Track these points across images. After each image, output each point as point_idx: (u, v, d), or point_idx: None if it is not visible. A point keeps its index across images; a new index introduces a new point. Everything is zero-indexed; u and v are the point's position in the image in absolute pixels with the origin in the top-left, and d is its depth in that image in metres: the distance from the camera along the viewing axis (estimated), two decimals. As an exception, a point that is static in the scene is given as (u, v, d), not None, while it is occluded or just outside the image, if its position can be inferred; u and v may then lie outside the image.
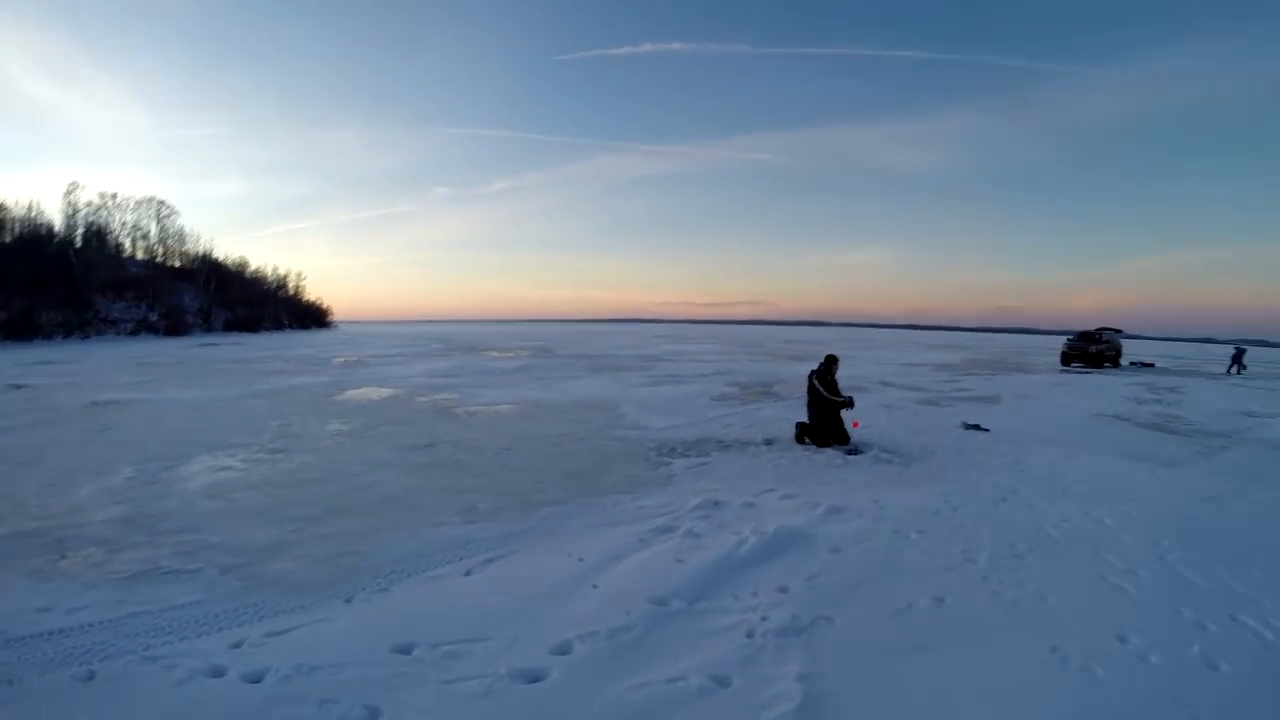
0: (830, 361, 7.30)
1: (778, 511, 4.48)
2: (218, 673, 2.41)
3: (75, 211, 58.70)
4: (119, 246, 62.18)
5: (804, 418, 7.31)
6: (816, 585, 3.29)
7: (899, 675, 2.44)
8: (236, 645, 2.64)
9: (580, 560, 3.61)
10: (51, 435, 7.53)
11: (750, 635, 2.74)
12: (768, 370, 18.21)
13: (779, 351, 30.11)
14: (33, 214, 53.58)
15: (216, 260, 68.64)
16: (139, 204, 64.84)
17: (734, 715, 2.17)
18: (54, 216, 56.42)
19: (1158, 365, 27.31)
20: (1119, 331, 27.33)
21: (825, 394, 6.96)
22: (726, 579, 3.36)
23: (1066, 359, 24.69)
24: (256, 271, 75.05)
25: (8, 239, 49.80)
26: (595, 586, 3.27)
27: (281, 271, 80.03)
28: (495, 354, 25.05)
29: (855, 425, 7.14)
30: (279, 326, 67.64)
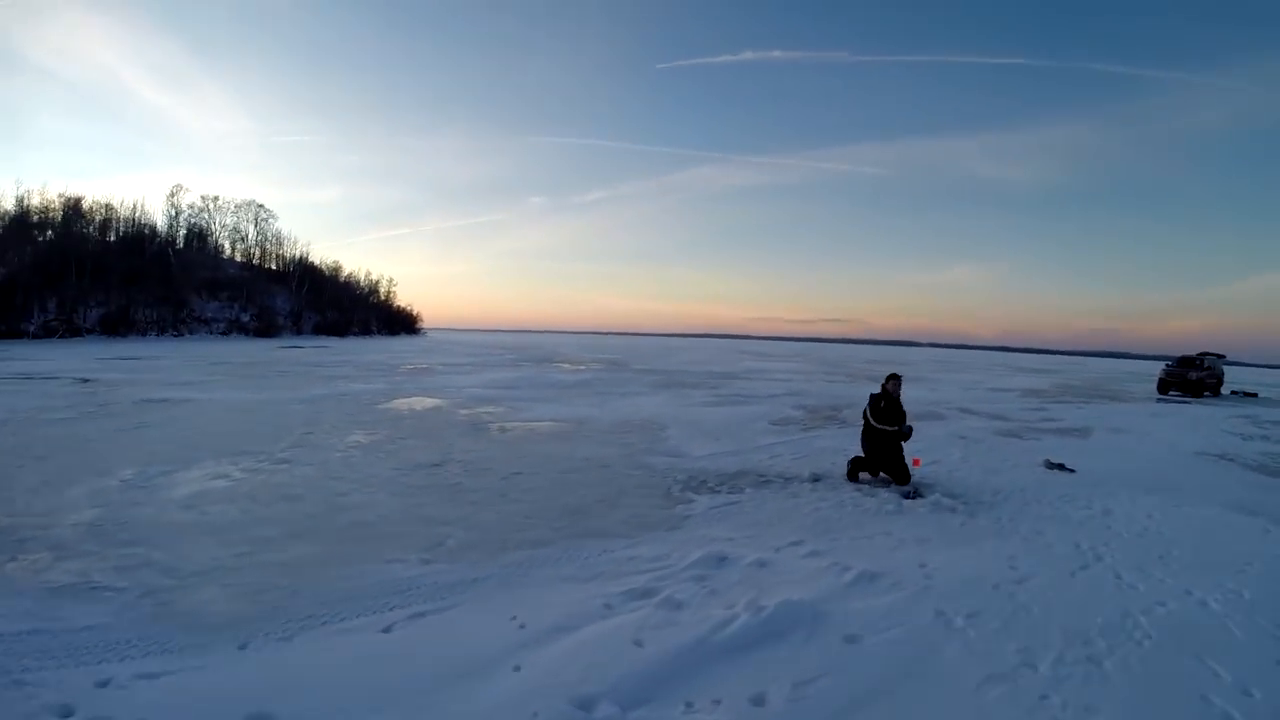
0: (891, 382, 7.18)
1: (794, 575, 4.26)
2: (64, 713, 2.54)
3: (178, 213, 68.33)
4: (218, 248, 71.66)
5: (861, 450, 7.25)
6: (805, 697, 2.87)
7: None
8: (103, 684, 2.76)
9: (521, 627, 3.45)
10: (85, 430, 8.82)
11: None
12: (841, 392, 19.11)
13: (860, 371, 31.98)
14: (137, 214, 61.54)
15: (311, 264, 77.69)
16: (239, 207, 74.48)
17: None
18: (157, 217, 65.43)
19: (1261, 395, 27.50)
20: (1221, 357, 27.77)
21: (875, 422, 6.95)
22: (689, 675, 3.01)
23: (1163, 386, 25.28)
24: (349, 276, 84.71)
25: (112, 238, 58.15)
26: (517, 668, 3.03)
27: (374, 277, 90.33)
28: (567, 366, 28.46)
29: (915, 463, 7.04)
30: (367, 331, 75.83)
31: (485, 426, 10.33)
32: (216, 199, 71.86)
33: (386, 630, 3.44)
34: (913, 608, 3.85)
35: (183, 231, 67.42)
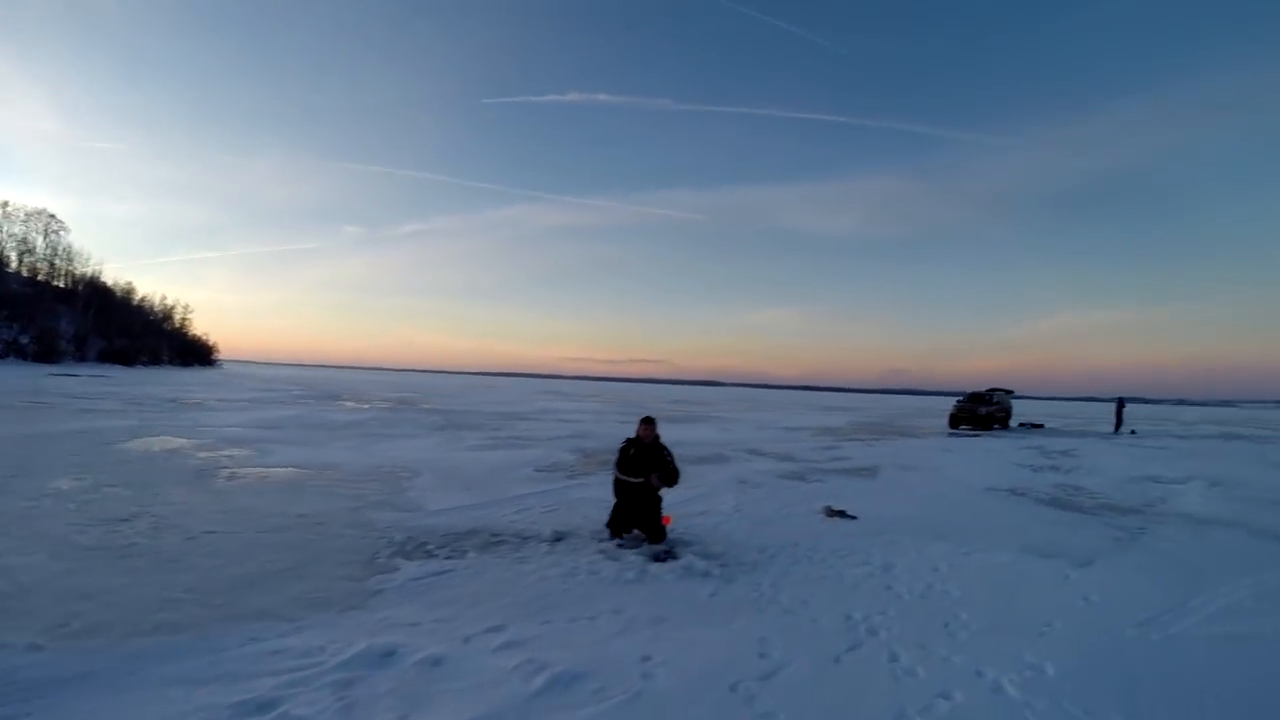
0: (644, 426, 7.37)
1: (469, 679, 3.80)
2: None
3: (-45, 218, 71.05)
4: (2, 259, 73.28)
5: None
6: None
7: None
8: None
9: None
10: None
11: None
12: (629, 434, 19.80)
13: (659, 412, 35.62)
14: (-98, 215, 65.83)
15: (102, 284, 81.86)
16: (29, 216, 77.26)
17: None
18: (-70, 221, 69.92)
19: (1047, 426, 33.38)
20: (1009, 392, 33.11)
21: (621, 473, 7.16)
22: None
23: (955, 421, 29.34)
24: (143, 300, 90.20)
25: None
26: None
27: (169, 302, 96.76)
28: (350, 404, 31.28)
29: (665, 521, 7.15)
30: (156, 361, 79.96)
31: (214, 473, 10.35)
32: (5, 204, 74.27)
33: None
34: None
35: (-40, 239, 71.34)
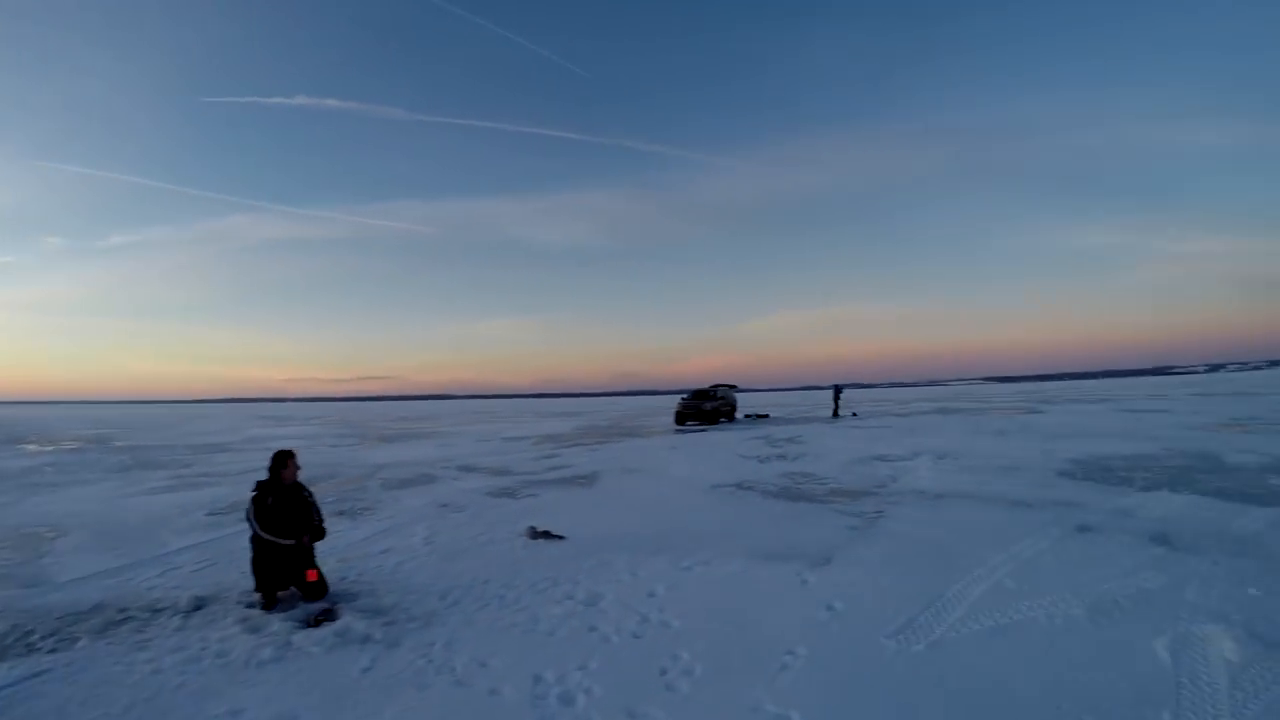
0: (285, 465, 6.73)
1: None
2: None
3: None
4: None
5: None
6: None
7: None
8: None
9: None
10: None
11: None
12: (339, 459, 20.47)
13: (382, 432, 35.46)
14: None
15: None
16: None
17: None
18: None
19: (772, 415, 37.26)
20: (733, 387, 36.27)
21: (262, 531, 6.46)
22: None
23: (681, 418, 31.45)
24: None
25: None
26: None
27: None
28: (32, 447, 28.58)
29: (311, 576, 6.61)
30: None
31: None
32: None
33: None
34: None
35: None
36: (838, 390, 35.70)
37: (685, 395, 33.20)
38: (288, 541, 6.48)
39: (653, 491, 11.52)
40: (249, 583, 6.90)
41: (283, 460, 6.69)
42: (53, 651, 5.69)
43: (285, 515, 6.55)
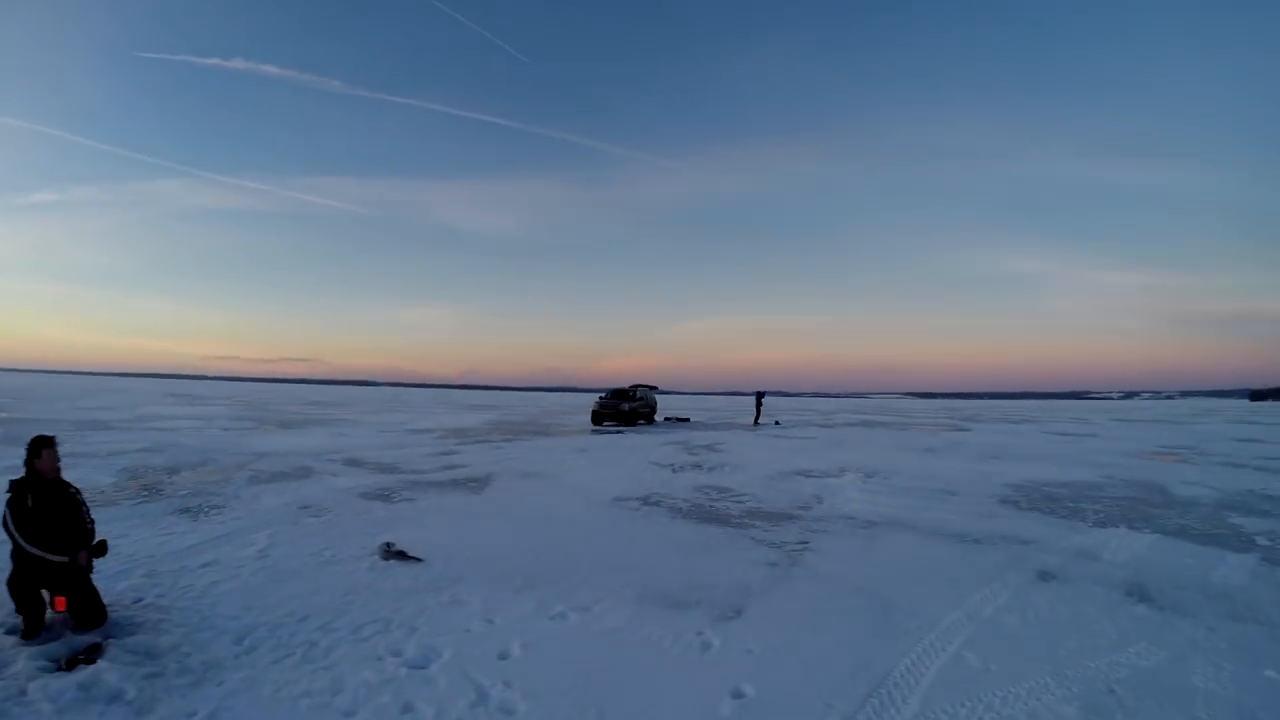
0: (41, 453, 5.47)
1: None
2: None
3: None
4: None
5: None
6: None
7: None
8: None
9: None
10: None
11: None
12: (223, 445, 18.94)
13: (285, 416, 33.84)
14: None
15: None
16: None
17: None
18: None
19: (693, 420, 36.53)
20: (653, 388, 35.61)
21: (25, 543, 5.23)
22: None
23: (598, 418, 30.64)
24: None
25: None
26: None
27: None
28: None
29: (59, 605, 5.42)
30: None
31: None
32: None
33: None
34: None
35: None
36: (760, 397, 35.28)
37: (603, 394, 32.40)
38: (59, 558, 5.38)
39: (546, 503, 10.18)
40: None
41: (37, 449, 5.49)
42: None
43: (50, 519, 5.42)
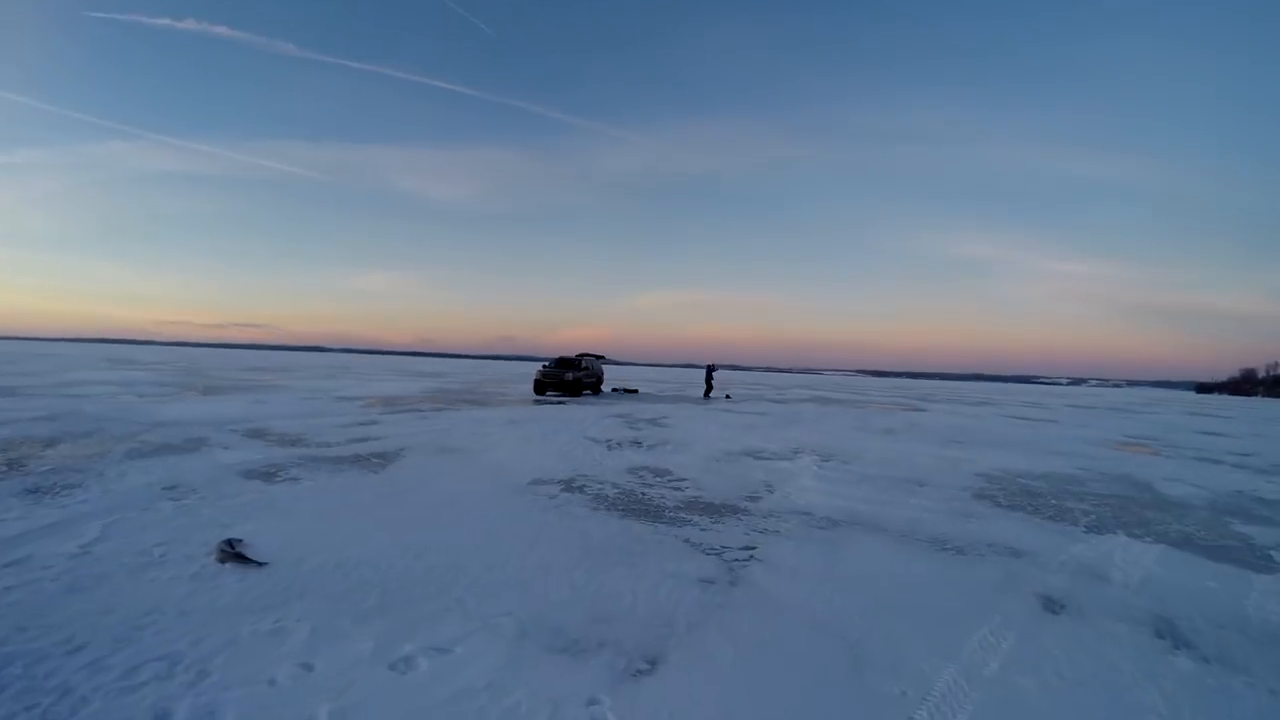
0: None
1: None
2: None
3: None
4: None
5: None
6: None
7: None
8: None
9: None
10: None
11: None
12: (123, 414, 17.07)
13: (212, 383, 32.10)
14: None
15: None
16: None
17: None
18: None
19: (641, 391, 35.72)
20: (600, 357, 34.63)
21: None
22: None
23: (540, 387, 29.44)
24: None
25: None
26: None
27: None
28: None
29: None
30: None
31: None
32: None
33: None
34: None
35: None
36: (711, 370, 34.28)
37: (546, 363, 31.12)
38: None
39: (450, 487, 8.68)
40: None
41: None
42: None
43: None
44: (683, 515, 7.44)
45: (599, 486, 8.84)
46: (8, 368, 38.37)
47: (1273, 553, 7.01)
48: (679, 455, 11.86)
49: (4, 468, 9.39)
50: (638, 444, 13.28)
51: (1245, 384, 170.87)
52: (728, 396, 32.76)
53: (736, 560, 5.83)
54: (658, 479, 9.54)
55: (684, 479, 9.59)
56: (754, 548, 6.23)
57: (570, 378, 28.97)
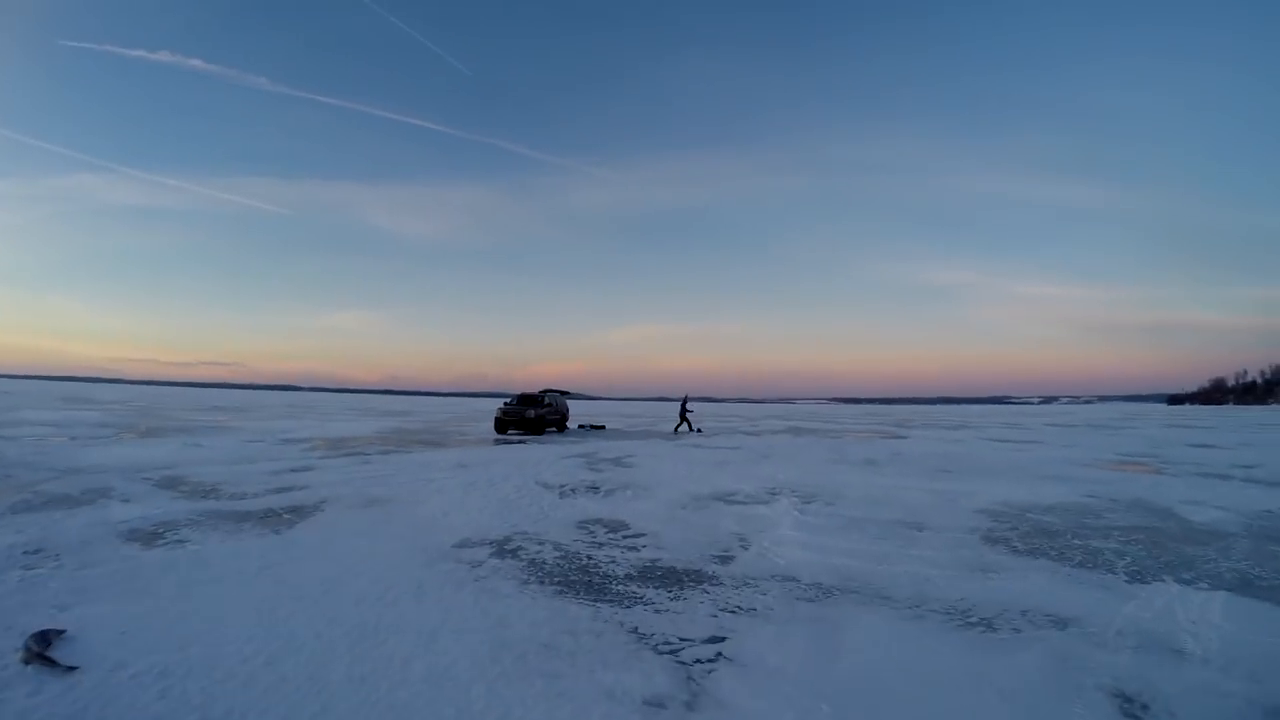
0: None
1: None
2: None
3: None
4: None
5: None
6: None
7: None
8: None
9: None
10: None
11: None
12: (41, 459, 15.92)
13: (157, 424, 30.62)
14: None
15: None
16: None
17: None
18: None
19: (609, 427, 34.35)
20: (565, 393, 33.36)
21: None
22: None
23: (501, 425, 27.87)
24: None
25: None
26: None
27: None
28: None
29: None
30: None
31: None
32: None
33: None
34: None
35: None
36: (685, 403, 32.57)
37: (509, 400, 29.54)
38: None
39: (356, 552, 7.16)
40: None
41: None
42: None
43: None
44: (634, 589, 5.95)
45: (537, 549, 7.35)
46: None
47: (1357, 598, 5.75)
48: (640, 502, 10.43)
49: None
50: (595, 489, 11.81)
51: (1216, 393, 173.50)
52: (699, 430, 31.35)
53: (699, 662, 4.33)
54: (611, 535, 8.08)
55: (642, 533, 8.14)
56: (723, 639, 4.72)
57: (532, 415, 27.48)
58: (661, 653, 4.47)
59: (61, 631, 4.85)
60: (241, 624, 4.87)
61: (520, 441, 23.64)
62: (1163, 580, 6.21)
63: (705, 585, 6.00)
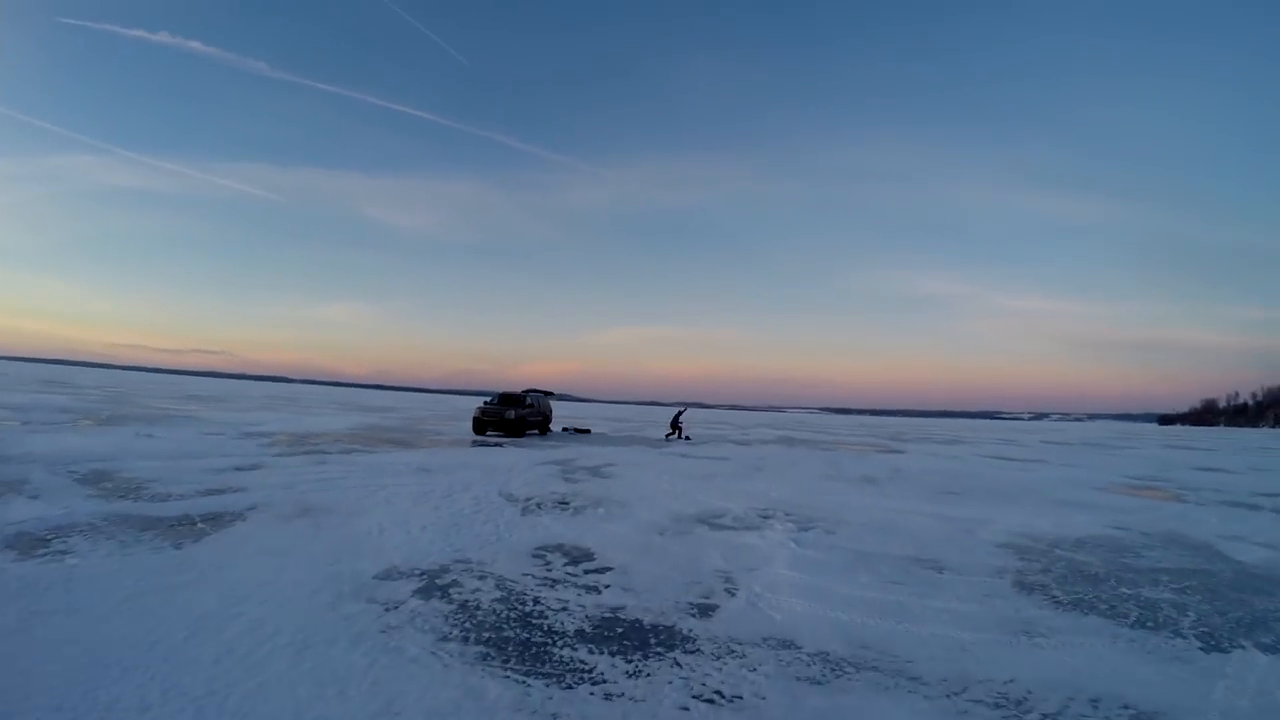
0: None
1: None
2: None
3: None
4: None
5: None
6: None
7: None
8: None
9: None
10: None
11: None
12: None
13: (121, 411, 29.69)
14: None
15: None
16: None
17: None
18: None
19: (594, 431, 32.89)
20: (548, 394, 31.92)
21: None
22: None
23: (480, 426, 26.59)
24: None
25: None
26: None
27: None
28: None
29: None
30: None
31: None
32: None
33: None
34: None
35: None
36: (679, 414, 31.43)
37: (489, 399, 28.19)
38: None
39: (251, 581, 5.87)
40: None
41: None
42: None
43: None
44: (583, 655, 4.54)
45: (475, 586, 6.00)
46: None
47: None
48: (612, 524, 9.11)
49: None
50: (564, 505, 10.50)
51: (1207, 414, 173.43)
52: (687, 438, 29.93)
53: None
54: (569, 569, 6.75)
55: (608, 567, 6.84)
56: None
57: (512, 416, 26.17)
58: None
59: None
60: (56, 686, 3.64)
61: (497, 444, 22.42)
62: (1242, 646, 5.01)
63: (678, 652, 4.64)
